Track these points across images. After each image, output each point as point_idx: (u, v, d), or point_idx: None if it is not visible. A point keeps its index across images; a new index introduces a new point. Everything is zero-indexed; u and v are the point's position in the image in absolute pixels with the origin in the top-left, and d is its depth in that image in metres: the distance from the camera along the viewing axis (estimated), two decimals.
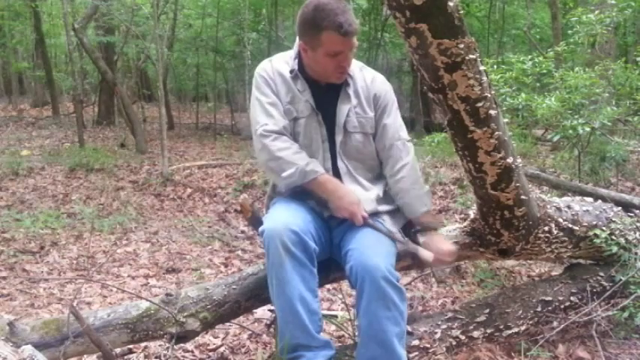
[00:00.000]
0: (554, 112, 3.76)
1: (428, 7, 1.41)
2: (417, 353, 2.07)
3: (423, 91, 10.13)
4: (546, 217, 2.20)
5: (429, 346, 2.10)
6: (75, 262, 3.88)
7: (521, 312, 2.28)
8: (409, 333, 2.07)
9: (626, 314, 2.27)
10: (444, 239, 2.05)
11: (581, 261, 2.56)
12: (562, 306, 2.34)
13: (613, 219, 2.42)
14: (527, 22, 10.66)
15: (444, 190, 5.25)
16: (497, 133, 1.72)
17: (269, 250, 1.77)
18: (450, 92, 1.61)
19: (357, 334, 1.94)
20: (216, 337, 2.54)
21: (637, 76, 4.21)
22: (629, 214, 2.52)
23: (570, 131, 3.69)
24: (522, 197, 1.97)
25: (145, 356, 2.32)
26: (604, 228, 2.36)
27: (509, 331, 2.23)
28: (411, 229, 2.07)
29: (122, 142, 9.14)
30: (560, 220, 2.27)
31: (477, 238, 2.23)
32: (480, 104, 1.64)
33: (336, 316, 2.55)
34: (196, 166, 7.14)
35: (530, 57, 4.36)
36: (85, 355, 2.12)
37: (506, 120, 1.93)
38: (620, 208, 2.51)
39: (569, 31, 5.17)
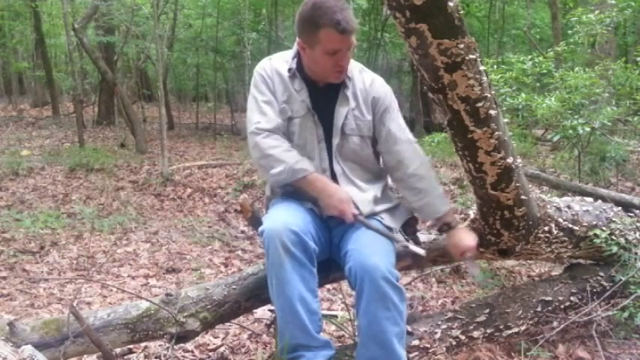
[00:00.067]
0: (554, 112, 3.76)
1: (428, 7, 1.41)
2: (417, 353, 2.07)
3: (423, 91, 10.14)
4: (546, 217, 2.20)
5: (429, 346, 2.10)
6: (75, 262, 3.88)
7: (521, 312, 2.28)
8: (409, 333, 2.07)
9: (626, 314, 2.27)
10: (468, 232, 2.05)
11: (581, 261, 2.56)
12: (562, 306, 2.34)
13: (613, 219, 2.42)
14: (527, 22, 10.67)
15: (444, 190, 5.25)
16: (497, 133, 1.72)
17: (269, 250, 1.77)
18: (450, 92, 1.61)
19: (357, 334, 1.93)
20: (216, 337, 2.54)
21: (637, 76, 4.21)
22: (629, 214, 2.52)
23: (570, 131, 3.70)
24: (522, 197, 1.97)
25: (145, 356, 2.31)
26: (604, 228, 2.36)
27: (509, 331, 2.23)
28: (411, 228, 2.07)
29: (122, 142, 9.14)
30: (560, 220, 2.27)
31: (477, 238, 2.23)
32: (480, 104, 1.64)
33: (336, 316, 2.56)
34: (196, 166, 7.14)
35: (530, 57, 4.36)
36: (85, 355, 2.12)
37: (506, 120, 1.93)
38: (620, 208, 2.51)
39: (569, 31, 5.17)
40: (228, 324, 2.38)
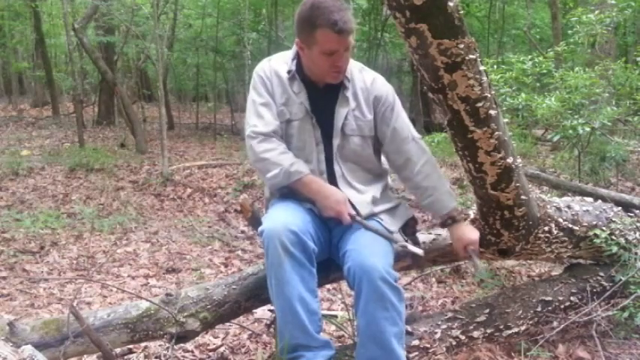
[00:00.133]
0: (554, 112, 3.76)
1: (428, 7, 1.41)
2: (417, 353, 2.07)
3: (423, 91, 10.14)
4: (546, 217, 2.20)
5: (429, 346, 2.10)
6: (75, 262, 3.88)
7: (521, 312, 2.28)
8: (409, 333, 2.07)
9: (626, 314, 2.27)
10: (471, 227, 2.05)
11: (581, 261, 2.56)
12: (562, 306, 2.34)
13: (613, 219, 2.42)
14: (527, 22, 10.66)
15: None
16: (497, 133, 1.72)
17: (268, 251, 1.77)
18: (450, 92, 1.61)
19: (356, 334, 1.94)
20: (216, 337, 2.54)
21: (637, 76, 4.21)
22: (629, 214, 2.52)
23: (570, 131, 3.70)
24: (522, 197, 1.97)
25: (145, 356, 2.31)
26: (604, 228, 2.36)
27: (509, 331, 2.23)
28: (410, 229, 2.07)
29: (122, 142, 9.14)
30: (560, 220, 2.27)
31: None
32: (480, 104, 1.64)
33: (335, 316, 2.56)
34: (196, 166, 7.14)
35: (530, 57, 4.36)
36: (85, 355, 2.12)
37: (506, 120, 1.93)
38: (620, 208, 2.51)
39: (569, 31, 5.17)
40: (228, 324, 2.38)
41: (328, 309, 2.86)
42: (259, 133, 1.91)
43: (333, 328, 2.51)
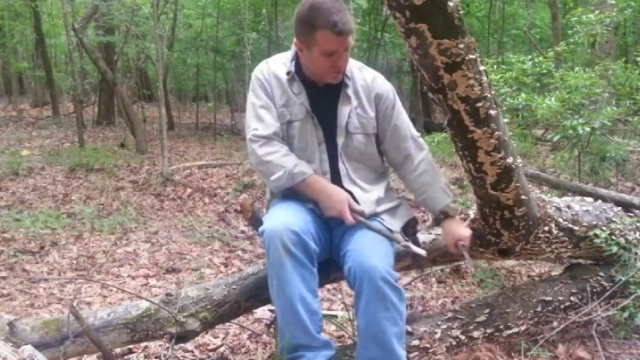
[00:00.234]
0: (554, 112, 3.76)
1: (428, 7, 1.41)
2: (417, 353, 2.07)
3: (423, 91, 10.14)
4: (546, 217, 2.20)
5: (429, 346, 2.10)
6: (75, 262, 3.88)
7: (521, 312, 2.28)
8: (409, 333, 2.07)
9: (626, 314, 2.27)
10: (462, 224, 2.06)
11: (581, 261, 2.56)
12: (562, 306, 2.34)
13: (613, 219, 2.42)
14: (527, 22, 10.66)
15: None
16: (497, 133, 1.72)
17: (269, 251, 1.77)
18: (450, 92, 1.61)
19: (356, 334, 1.94)
20: (216, 337, 2.54)
21: (637, 76, 4.21)
22: (629, 214, 2.52)
23: (570, 131, 3.69)
24: (522, 197, 1.97)
25: (145, 356, 2.32)
26: (604, 228, 2.36)
27: (509, 331, 2.24)
28: (411, 229, 2.07)
29: (122, 142, 9.15)
30: (560, 220, 2.27)
31: (477, 238, 2.23)
32: (479, 104, 1.64)
33: (336, 316, 2.56)
34: (196, 166, 7.14)
35: (530, 57, 4.36)
36: (85, 355, 2.12)
37: (506, 120, 1.93)
38: (620, 208, 2.51)
39: (569, 31, 5.17)
40: (228, 324, 2.38)
41: (328, 309, 2.86)
42: (260, 137, 1.91)
43: (333, 328, 2.51)
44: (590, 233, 2.34)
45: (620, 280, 2.33)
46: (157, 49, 7.31)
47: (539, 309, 2.30)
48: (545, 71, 4.20)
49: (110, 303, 3.08)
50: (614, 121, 4.42)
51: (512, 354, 2.18)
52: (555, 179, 3.16)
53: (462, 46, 1.50)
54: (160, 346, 2.35)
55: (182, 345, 2.33)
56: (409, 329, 2.08)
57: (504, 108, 3.89)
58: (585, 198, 2.55)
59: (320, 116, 1.96)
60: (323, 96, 1.97)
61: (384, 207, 2.00)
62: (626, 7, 4.67)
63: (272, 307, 2.03)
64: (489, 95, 1.65)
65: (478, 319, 2.22)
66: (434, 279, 3.22)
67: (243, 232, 4.69)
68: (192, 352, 2.41)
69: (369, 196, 1.98)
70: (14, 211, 5.04)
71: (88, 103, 12.95)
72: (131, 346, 2.14)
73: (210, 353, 2.41)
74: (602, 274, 2.42)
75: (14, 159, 7.01)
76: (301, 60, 1.94)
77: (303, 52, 1.89)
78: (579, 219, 2.33)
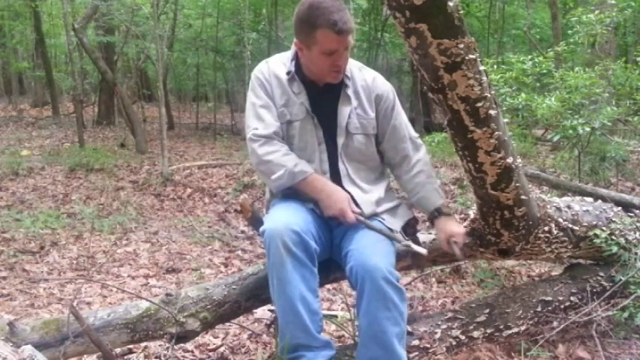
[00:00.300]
0: (554, 112, 3.76)
1: (428, 7, 1.41)
2: (417, 353, 2.07)
3: (423, 91, 10.13)
4: (546, 217, 2.20)
5: (429, 346, 2.10)
6: (75, 262, 3.88)
7: (521, 312, 2.28)
8: (409, 333, 2.07)
9: (626, 314, 2.27)
10: (456, 222, 2.06)
11: (581, 261, 2.56)
12: (562, 306, 2.34)
13: (613, 219, 2.42)
14: (527, 22, 10.65)
15: (444, 190, 5.24)
16: (497, 133, 1.72)
17: (270, 250, 1.77)
18: (450, 92, 1.61)
19: (357, 334, 1.94)
20: (216, 337, 2.54)
21: (637, 76, 4.21)
22: (629, 214, 2.52)
23: (570, 131, 3.69)
24: (522, 197, 1.97)
25: (145, 356, 2.31)
26: (604, 228, 2.36)
27: (509, 331, 2.24)
28: (411, 228, 2.07)
29: (122, 142, 9.15)
30: (560, 220, 2.27)
31: (477, 238, 2.23)
32: (479, 104, 1.64)
33: (336, 316, 2.55)
34: (196, 166, 7.14)
35: (530, 57, 4.36)
36: (85, 355, 2.12)
37: (506, 120, 1.93)
38: (620, 208, 2.51)
39: (569, 31, 5.17)
40: (228, 324, 2.38)
41: (329, 309, 2.86)
42: (260, 136, 1.91)
43: (334, 328, 2.51)
44: (590, 233, 2.34)
45: (620, 280, 2.33)
46: (157, 49, 7.31)
47: (539, 309, 2.30)
48: (545, 71, 4.20)
49: (110, 303, 3.08)
50: (614, 121, 4.42)
51: (512, 354, 2.18)
52: (555, 179, 3.16)
53: (462, 46, 1.50)
54: (160, 346, 2.35)
55: (182, 345, 2.33)
56: (409, 329, 2.08)
57: (504, 108, 3.88)
58: (585, 198, 2.55)
59: (320, 116, 1.96)
60: (323, 96, 1.97)
61: (384, 207, 2.01)
62: (626, 7, 4.67)
63: (272, 307, 2.03)
64: (489, 95, 1.65)
65: (478, 319, 2.22)
66: (434, 279, 3.22)
67: (243, 232, 4.69)
68: (192, 352, 2.41)
69: (368, 196, 1.98)
70: (14, 211, 5.04)
71: (88, 103, 12.95)
72: (131, 346, 2.14)
73: (210, 353, 2.41)
74: (602, 274, 2.42)
75: (14, 159, 7.01)
76: (301, 60, 1.94)
77: (303, 52, 1.89)
78: (579, 219, 2.33)
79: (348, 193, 1.94)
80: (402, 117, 2.06)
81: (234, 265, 3.84)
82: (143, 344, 2.31)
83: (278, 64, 2.00)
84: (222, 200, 5.71)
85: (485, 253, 2.29)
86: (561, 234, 2.27)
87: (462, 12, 1.48)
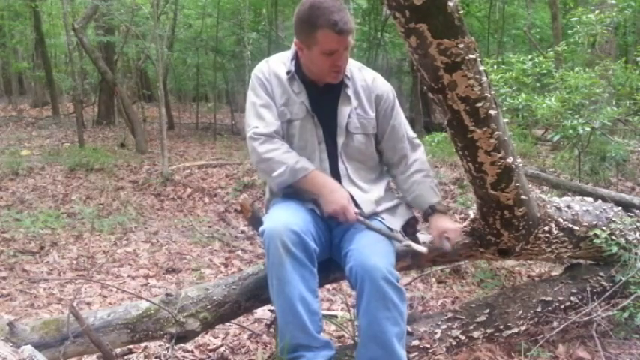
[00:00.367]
0: (554, 112, 3.76)
1: (428, 7, 1.41)
2: (417, 353, 2.07)
3: (423, 91, 10.13)
4: (546, 217, 2.20)
5: (429, 346, 2.10)
6: (75, 262, 3.88)
7: (521, 312, 2.28)
8: (409, 333, 2.07)
9: (626, 314, 2.27)
10: (450, 219, 2.06)
11: (581, 261, 2.56)
12: (562, 306, 2.34)
13: (613, 219, 2.42)
14: (527, 22, 10.65)
15: (444, 190, 5.25)
16: (497, 133, 1.72)
17: (269, 250, 1.77)
18: (450, 92, 1.61)
19: (357, 334, 1.94)
20: (216, 337, 2.54)
21: (637, 76, 4.21)
22: (629, 214, 2.52)
23: (570, 131, 3.69)
24: (522, 197, 1.97)
25: (145, 356, 2.31)
26: (604, 228, 2.36)
27: (509, 331, 2.24)
28: (411, 228, 2.07)
29: (122, 142, 9.15)
30: (560, 220, 2.27)
31: (477, 238, 2.23)
32: (479, 104, 1.64)
33: (336, 316, 2.55)
34: (196, 166, 7.14)
35: (530, 57, 4.36)
36: (85, 355, 2.12)
37: (506, 120, 1.93)
38: (620, 208, 2.51)
39: (569, 31, 5.17)
40: (228, 324, 2.38)
41: (328, 309, 2.86)
42: (261, 135, 1.91)
43: (334, 328, 2.51)
44: (590, 233, 2.34)
45: (620, 280, 2.33)
46: (157, 49, 7.31)
47: (539, 309, 2.30)
48: (545, 71, 4.20)
49: (110, 303, 3.08)
50: (614, 121, 4.42)
51: (512, 354, 2.18)
52: (555, 179, 3.16)
53: (461, 46, 1.50)
54: (160, 346, 2.35)
55: (182, 345, 2.33)
56: (409, 329, 2.08)
57: (504, 108, 3.89)
58: (585, 198, 2.55)
59: (320, 115, 1.97)
60: (323, 95, 1.97)
61: (384, 206, 2.01)
62: (626, 7, 4.67)
63: (272, 307, 2.03)
64: (489, 95, 1.65)
65: (478, 319, 2.22)
66: (434, 279, 3.22)
67: (243, 232, 4.69)
68: (192, 352, 2.41)
69: (368, 196, 1.98)
70: (14, 211, 5.04)
71: (88, 103, 12.94)
72: (131, 346, 2.13)
73: (210, 353, 2.40)
74: (602, 274, 2.42)
75: (14, 159, 7.00)
76: (301, 60, 1.94)
77: (304, 52, 1.89)
78: (579, 219, 2.33)
79: (348, 192, 1.94)
80: (401, 117, 2.07)
81: (234, 265, 3.84)
82: (143, 344, 2.31)
83: (278, 64, 2.00)
84: (222, 200, 5.71)
85: (485, 253, 2.29)
86: (561, 234, 2.27)
87: (462, 12, 1.49)
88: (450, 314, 2.23)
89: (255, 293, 2.07)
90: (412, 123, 1.92)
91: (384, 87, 2.04)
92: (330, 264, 2.00)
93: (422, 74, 1.63)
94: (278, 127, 1.94)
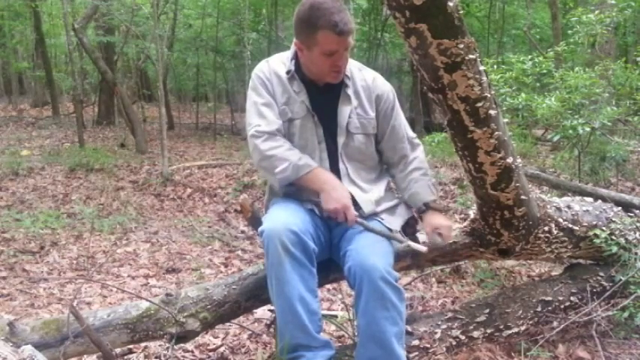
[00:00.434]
0: (554, 112, 3.76)
1: (428, 7, 1.41)
2: (417, 353, 2.07)
3: (423, 91, 10.13)
4: (546, 217, 2.20)
5: (429, 346, 2.10)
6: (75, 262, 3.88)
7: (521, 312, 2.28)
8: (409, 333, 2.07)
9: (626, 314, 2.27)
10: (444, 217, 2.06)
11: (581, 261, 2.56)
12: (562, 306, 2.34)
13: (613, 219, 2.42)
14: (527, 22, 10.65)
15: (444, 190, 5.25)
16: (497, 133, 1.72)
17: (268, 250, 1.77)
18: (450, 92, 1.61)
19: (356, 334, 1.94)
20: (216, 337, 2.54)
21: (637, 76, 4.21)
22: (629, 214, 2.52)
23: (570, 131, 3.69)
24: (522, 197, 1.97)
25: (145, 356, 2.31)
26: (604, 228, 2.36)
27: (509, 331, 2.24)
28: (410, 228, 2.07)
29: (122, 142, 9.15)
30: (560, 220, 2.27)
31: (477, 238, 2.23)
32: (479, 104, 1.64)
33: (335, 316, 2.56)
34: (196, 166, 7.14)
35: (530, 57, 4.36)
36: (85, 355, 2.12)
37: (506, 120, 1.93)
38: (620, 208, 2.51)
39: (569, 31, 5.16)
40: (228, 324, 2.38)
41: (328, 309, 2.86)
42: (263, 132, 1.91)
43: (333, 328, 2.51)
44: (590, 233, 2.34)
45: (620, 280, 2.33)
46: (157, 49, 7.31)
47: (539, 309, 2.30)
48: (545, 71, 4.19)
49: (110, 303, 3.08)
50: (614, 121, 4.42)
51: (512, 354, 2.18)
52: (555, 179, 3.16)
53: (461, 46, 1.50)
54: (160, 346, 2.35)
55: (182, 345, 2.33)
56: (409, 329, 2.08)
57: (504, 108, 3.88)
58: (585, 198, 2.55)
59: (320, 115, 1.97)
60: (323, 95, 1.97)
61: (383, 206, 2.01)
62: (626, 7, 4.67)
63: (272, 307, 2.03)
64: (489, 95, 1.65)
65: (478, 319, 2.22)
66: (434, 279, 3.22)
67: (243, 232, 4.69)
68: (192, 352, 2.41)
69: (368, 196, 1.98)
70: (14, 211, 5.04)
71: (88, 103, 12.95)
72: (131, 346, 2.14)
73: (210, 353, 2.41)
74: (602, 274, 2.42)
75: (14, 159, 7.01)
76: (301, 60, 1.94)
77: (304, 52, 1.90)
78: (579, 219, 2.33)
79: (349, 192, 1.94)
80: (401, 117, 2.08)
81: (234, 265, 3.84)
82: (143, 344, 2.32)
83: (278, 64, 2.00)
84: (222, 200, 5.71)
85: (485, 253, 2.29)
86: (561, 234, 2.27)
87: (462, 12, 1.48)
88: (450, 314, 2.23)
89: (255, 293, 2.07)
90: (412, 123, 1.93)
91: (384, 87, 2.04)
92: (329, 264, 2.00)
93: (422, 74, 1.63)
94: (280, 125, 1.94)
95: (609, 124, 4.00)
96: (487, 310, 2.26)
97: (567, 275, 2.48)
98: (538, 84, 4.32)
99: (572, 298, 2.36)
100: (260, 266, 2.13)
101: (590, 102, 3.93)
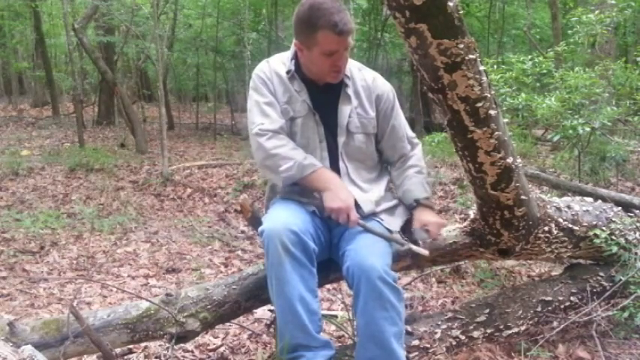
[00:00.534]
0: (554, 112, 3.76)
1: (428, 7, 1.41)
2: (417, 353, 2.07)
3: (423, 91, 10.13)
4: (546, 217, 2.20)
5: (429, 346, 2.10)
6: (75, 262, 3.88)
7: (521, 312, 2.28)
8: (409, 333, 2.07)
9: (626, 314, 2.27)
10: (434, 214, 2.07)
11: (581, 261, 2.56)
12: (562, 306, 2.34)
13: (613, 219, 2.42)
14: (527, 22, 10.65)
15: (444, 190, 5.26)
16: (497, 133, 1.72)
17: (268, 250, 1.78)
18: (450, 92, 1.61)
19: (356, 334, 1.94)
20: (216, 337, 2.54)
21: (637, 76, 4.21)
22: (629, 214, 2.52)
23: (570, 131, 3.69)
24: (522, 197, 1.97)
25: (145, 356, 2.32)
26: (604, 228, 2.36)
27: (509, 331, 2.23)
28: (410, 228, 2.07)
29: (122, 142, 9.15)
30: (560, 220, 2.27)
31: (477, 238, 2.23)
32: (479, 104, 1.64)
33: (335, 316, 2.56)
34: (196, 166, 7.14)
35: (530, 57, 4.36)
36: (85, 355, 2.12)
37: (506, 120, 1.93)
38: (620, 208, 2.51)
39: (569, 31, 5.16)
40: (228, 324, 2.38)
41: (328, 309, 2.86)
42: (267, 130, 1.91)
43: (333, 328, 2.51)
44: (590, 233, 2.34)
45: (620, 280, 2.33)
46: (157, 49, 7.31)
47: (539, 309, 2.30)
48: (545, 71, 4.19)
49: (110, 303, 3.08)
50: (614, 121, 4.42)
51: (512, 354, 2.18)
52: (555, 179, 3.16)
53: (461, 46, 1.50)
54: (160, 346, 2.35)
55: (182, 345, 2.33)
56: (409, 329, 2.08)
57: (504, 108, 3.88)
58: (585, 198, 2.55)
59: (321, 114, 1.97)
60: (323, 95, 1.98)
61: (383, 206, 2.01)
62: (626, 7, 4.67)
63: (272, 307, 2.03)
64: (489, 95, 1.65)
65: (478, 319, 2.22)
66: (434, 279, 3.22)
67: (243, 232, 4.69)
68: (192, 352, 2.41)
69: (368, 196, 1.98)
70: (14, 211, 5.04)
71: (88, 103, 12.95)
72: (131, 346, 2.14)
73: (210, 353, 2.41)
74: (602, 274, 2.42)
75: (14, 159, 7.01)
76: (301, 60, 1.95)
77: (303, 52, 1.90)
78: (579, 219, 2.33)
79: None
80: (400, 117, 2.09)
81: (234, 265, 3.84)
82: (143, 344, 2.32)
83: (278, 63, 2.01)
84: (222, 200, 5.71)
85: (485, 253, 2.29)
86: (561, 234, 2.27)
87: (462, 12, 1.48)
88: (450, 314, 2.23)
89: (255, 293, 2.07)
90: (412, 123, 1.93)
91: (384, 87, 2.04)
92: (329, 264, 2.00)
93: (422, 74, 1.63)
94: (283, 124, 1.94)
95: (609, 124, 4.00)
96: (487, 310, 2.26)
97: (567, 275, 2.48)
98: (538, 84, 4.32)
99: (572, 298, 2.36)
100: (260, 266, 2.13)
101: (590, 102, 3.92)
